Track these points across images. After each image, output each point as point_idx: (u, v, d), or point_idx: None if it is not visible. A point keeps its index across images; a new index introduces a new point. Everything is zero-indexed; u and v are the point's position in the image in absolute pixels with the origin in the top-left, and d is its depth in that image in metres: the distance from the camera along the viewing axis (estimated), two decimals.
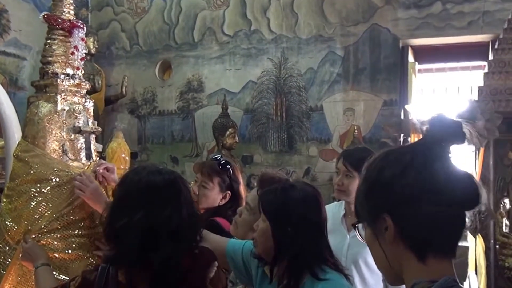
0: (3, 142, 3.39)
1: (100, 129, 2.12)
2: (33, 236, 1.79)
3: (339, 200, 2.16)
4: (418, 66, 4.55)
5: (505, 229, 2.71)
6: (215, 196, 2.09)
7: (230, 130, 4.36)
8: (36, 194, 1.87)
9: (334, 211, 2.06)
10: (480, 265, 2.47)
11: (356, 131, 4.40)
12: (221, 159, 2.19)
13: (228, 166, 2.13)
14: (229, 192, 2.10)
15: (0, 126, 3.50)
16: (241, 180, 2.19)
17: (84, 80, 2.14)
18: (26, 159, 1.92)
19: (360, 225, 0.93)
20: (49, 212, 1.86)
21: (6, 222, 1.88)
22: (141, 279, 1.27)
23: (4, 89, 4.78)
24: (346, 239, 1.96)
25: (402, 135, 3.52)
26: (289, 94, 4.85)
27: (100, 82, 4.93)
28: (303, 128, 4.82)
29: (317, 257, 1.34)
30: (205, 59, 5.16)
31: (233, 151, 4.54)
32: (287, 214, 1.34)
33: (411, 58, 4.49)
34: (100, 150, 2.21)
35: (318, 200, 1.41)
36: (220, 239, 1.63)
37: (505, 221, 2.73)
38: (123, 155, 2.64)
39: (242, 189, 2.16)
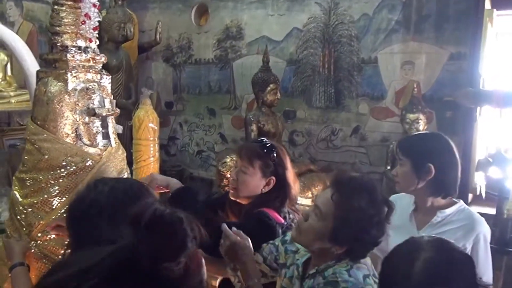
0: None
1: (118, 111, 1.88)
2: (45, 229, 1.68)
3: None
4: (496, 13, 3.91)
5: None
6: (256, 183, 1.87)
7: (271, 86, 4.01)
8: (49, 183, 1.77)
9: (402, 203, 1.82)
10: None
11: (415, 88, 3.93)
12: (264, 142, 1.94)
13: (273, 149, 1.89)
14: (273, 178, 1.87)
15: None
16: (289, 166, 1.93)
17: (98, 53, 1.86)
18: (36, 144, 1.74)
19: None
20: (62, 203, 1.72)
21: (17, 211, 1.76)
22: None
23: (34, 38, 4.65)
24: None
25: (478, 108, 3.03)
26: (339, 44, 4.38)
27: (132, 29, 4.65)
28: (353, 83, 4.40)
29: None
30: (245, 3, 4.73)
31: (276, 106, 4.22)
32: None
33: (487, 4, 3.87)
34: (120, 131, 1.99)
35: None
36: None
37: None
38: (150, 125, 2.40)
39: (290, 176, 1.92)
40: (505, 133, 3.56)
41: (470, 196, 3.89)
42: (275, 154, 1.88)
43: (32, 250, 1.70)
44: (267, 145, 1.90)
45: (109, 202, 1.13)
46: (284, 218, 1.87)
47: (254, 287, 1.46)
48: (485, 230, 1.70)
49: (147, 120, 2.45)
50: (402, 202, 1.83)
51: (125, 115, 4.40)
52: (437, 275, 0.98)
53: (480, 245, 1.68)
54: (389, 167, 3.78)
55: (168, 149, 5.46)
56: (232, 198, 1.97)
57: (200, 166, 5.28)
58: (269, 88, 4.00)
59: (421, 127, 3.61)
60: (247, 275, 1.47)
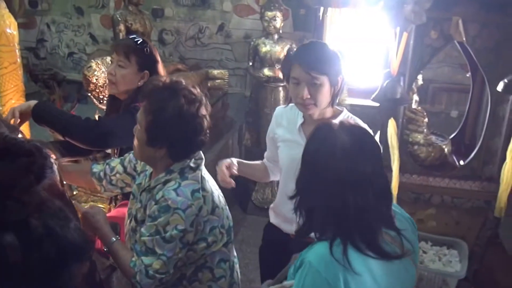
0: None
1: None
2: None
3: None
4: None
5: (414, 105, 2.70)
6: (132, 77, 1.90)
7: None
8: None
9: (288, 115, 1.79)
10: (392, 146, 2.41)
11: None
12: (137, 38, 1.96)
13: (145, 43, 1.94)
14: (147, 71, 1.92)
15: None
16: (159, 59, 2.00)
17: None
18: None
19: None
20: None
21: None
22: None
23: None
24: None
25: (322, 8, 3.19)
26: None
27: None
28: None
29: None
30: None
31: (142, 4, 4.08)
32: None
33: None
34: None
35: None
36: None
37: (415, 97, 2.72)
38: (8, 30, 2.25)
39: (161, 68, 1.99)
40: (345, 32, 3.93)
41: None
42: (148, 48, 1.92)
43: None
44: (140, 41, 1.93)
45: None
46: None
47: (115, 246, 1.46)
48: None
49: (4, 25, 2.26)
50: (289, 115, 1.79)
51: None
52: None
53: None
54: (251, 63, 3.98)
55: (37, 52, 5.04)
56: (112, 93, 1.98)
57: (72, 68, 5.01)
58: None
59: (278, 25, 3.78)
60: (105, 239, 1.47)
